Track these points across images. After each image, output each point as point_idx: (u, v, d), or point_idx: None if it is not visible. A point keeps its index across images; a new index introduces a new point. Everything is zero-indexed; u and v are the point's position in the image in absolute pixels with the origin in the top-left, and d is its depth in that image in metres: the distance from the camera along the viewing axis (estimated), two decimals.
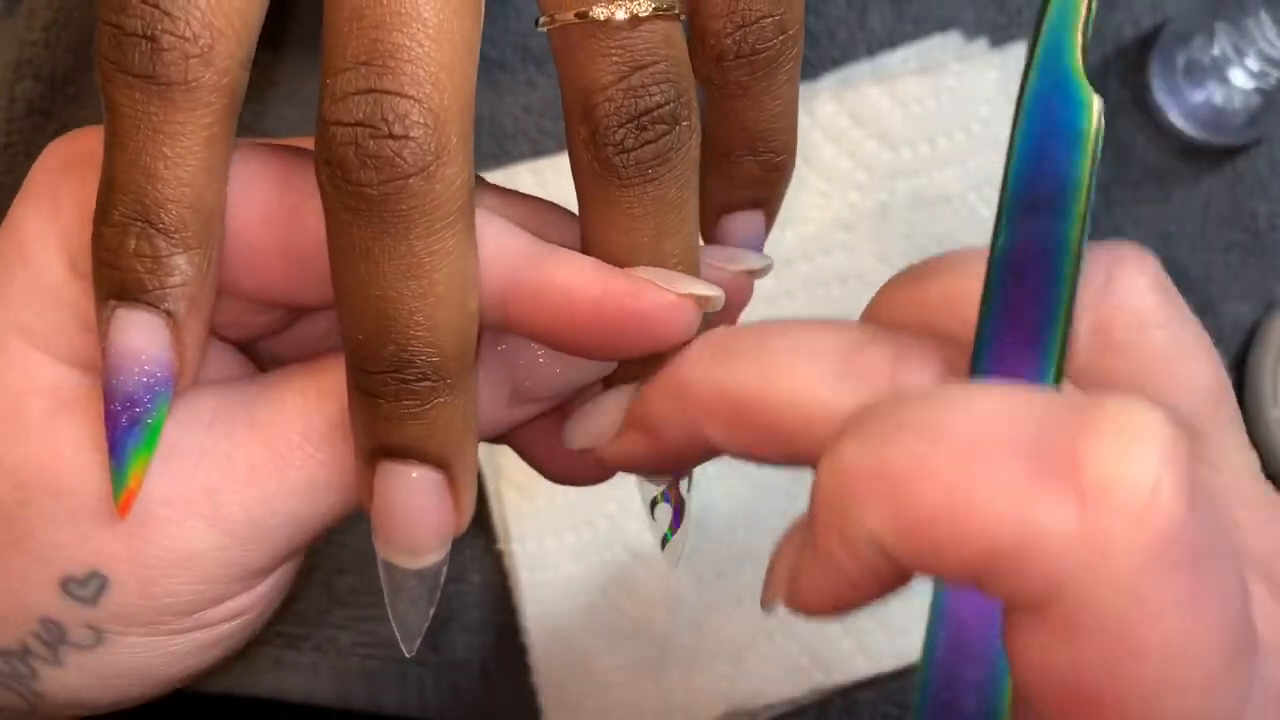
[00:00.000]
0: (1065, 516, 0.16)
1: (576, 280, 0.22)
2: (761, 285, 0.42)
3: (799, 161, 0.42)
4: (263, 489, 0.22)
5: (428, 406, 0.21)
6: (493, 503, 0.42)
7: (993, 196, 0.42)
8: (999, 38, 0.44)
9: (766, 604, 0.22)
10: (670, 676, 0.41)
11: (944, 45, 0.43)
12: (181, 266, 0.21)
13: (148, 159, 0.20)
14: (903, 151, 0.42)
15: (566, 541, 0.41)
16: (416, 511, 0.22)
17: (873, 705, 0.42)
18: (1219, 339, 0.43)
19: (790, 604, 0.21)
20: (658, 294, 0.22)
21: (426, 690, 0.42)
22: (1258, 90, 0.40)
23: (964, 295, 0.20)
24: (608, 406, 0.24)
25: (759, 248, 0.26)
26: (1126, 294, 0.20)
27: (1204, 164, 0.43)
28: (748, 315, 0.42)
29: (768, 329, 0.21)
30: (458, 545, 0.42)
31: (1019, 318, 0.19)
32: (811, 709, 0.42)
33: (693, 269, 0.23)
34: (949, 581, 0.19)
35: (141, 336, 0.21)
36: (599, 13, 0.21)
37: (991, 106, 0.42)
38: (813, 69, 0.43)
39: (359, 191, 0.20)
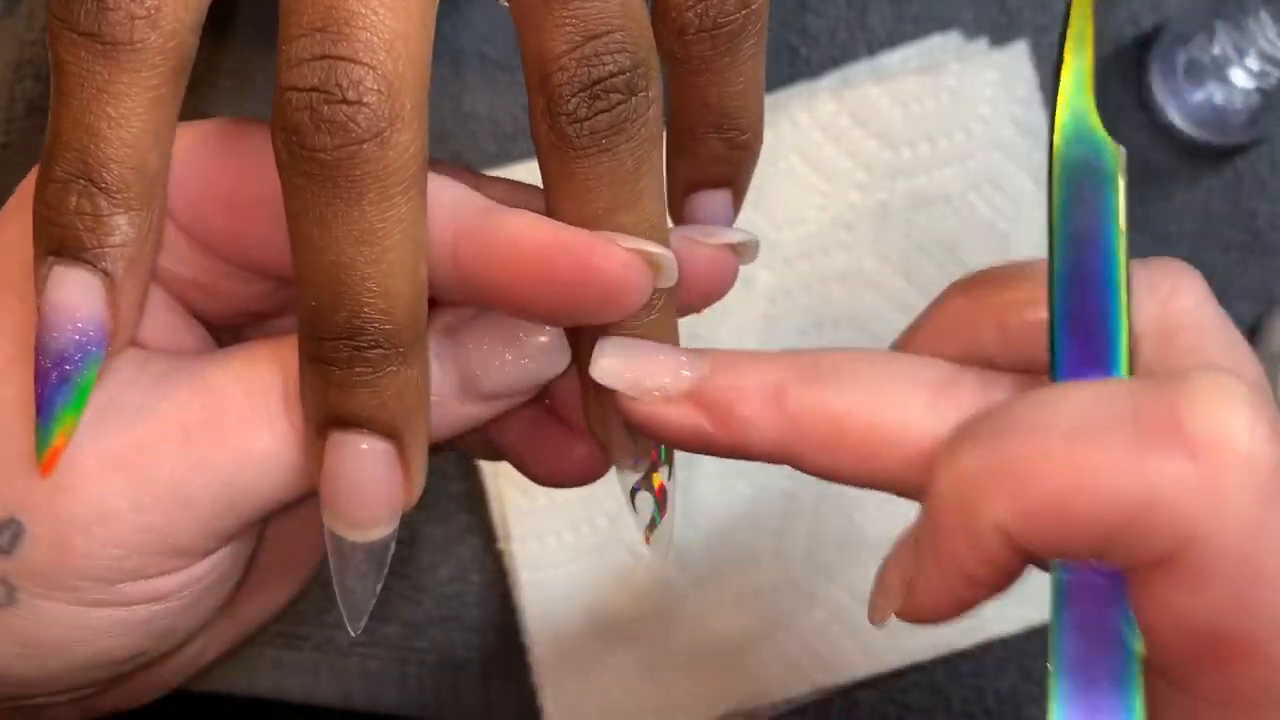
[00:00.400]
0: (1181, 471, 0.18)
1: (525, 230, 0.22)
2: (762, 283, 0.42)
3: (799, 161, 0.43)
4: (197, 453, 0.22)
5: (380, 374, 0.21)
6: (493, 502, 0.42)
7: (992, 195, 0.42)
8: (999, 37, 0.44)
9: (877, 618, 0.24)
10: (670, 676, 0.41)
11: (944, 45, 0.43)
12: (122, 226, 0.21)
13: (91, 117, 0.20)
14: (903, 151, 0.42)
15: (567, 541, 0.41)
16: (367, 482, 0.22)
17: (873, 705, 0.42)
18: None
19: (906, 612, 0.23)
20: (606, 245, 0.21)
21: (426, 690, 0.42)
22: (1258, 90, 0.40)
23: (1024, 302, 0.22)
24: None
25: (729, 216, 0.26)
26: (1188, 304, 0.22)
27: (1204, 164, 0.43)
28: (749, 315, 0.42)
29: (852, 357, 0.22)
30: (458, 544, 0.43)
31: (1086, 330, 0.21)
32: (812, 709, 0.42)
33: (662, 227, 0.23)
34: (1071, 560, 0.20)
35: (77, 294, 0.21)
36: None
37: (991, 106, 0.42)
38: (812, 69, 0.43)
39: (313, 156, 0.20)
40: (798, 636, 0.41)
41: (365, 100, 0.20)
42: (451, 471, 0.42)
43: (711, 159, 0.25)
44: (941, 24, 0.44)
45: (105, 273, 0.21)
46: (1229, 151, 0.43)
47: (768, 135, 0.42)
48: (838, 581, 0.41)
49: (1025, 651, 0.42)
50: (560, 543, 0.41)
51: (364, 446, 0.21)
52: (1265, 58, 0.38)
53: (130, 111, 0.20)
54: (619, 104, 0.21)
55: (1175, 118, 0.43)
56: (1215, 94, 0.42)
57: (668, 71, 0.24)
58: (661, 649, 0.41)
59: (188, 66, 0.21)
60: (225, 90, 0.44)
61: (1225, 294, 0.43)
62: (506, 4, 0.22)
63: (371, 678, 0.42)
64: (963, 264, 0.42)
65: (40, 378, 0.21)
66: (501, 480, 0.41)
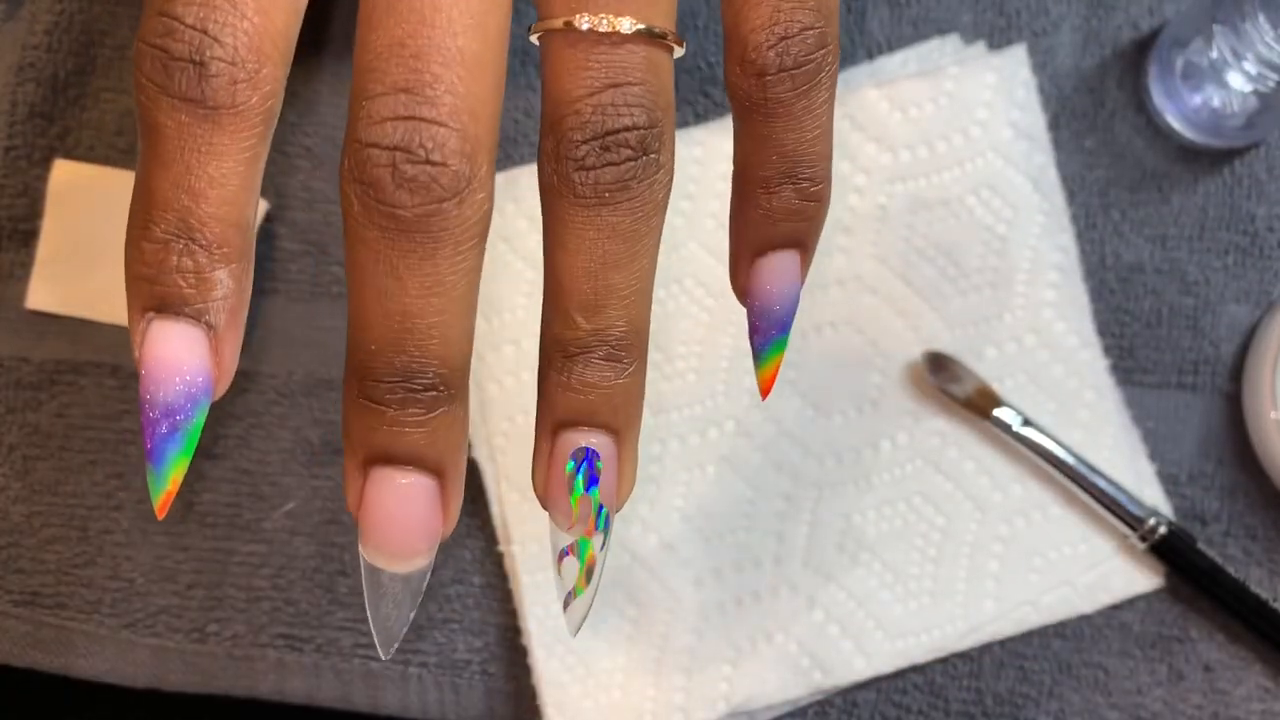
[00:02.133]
0: None
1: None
2: None
3: None
4: None
5: (432, 415, 0.21)
6: (494, 504, 0.42)
7: (991, 199, 0.42)
8: (998, 41, 0.44)
9: None
10: (670, 678, 0.41)
11: (942, 48, 0.44)
12: (224, 280, 0.21)
13: (193, 179, 0.21)
14: (901, 155, 0.42)
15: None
16: (410, 517, 0.22)
17: (872, 706, 0.42)
18: (1217, 341, 0.43)
19: None
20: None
21: (428, 691, 0.42)
22: (1255, 93, 0.40)
23: None
24: None
25: (795, 295, 0.25)
26: None
27: (1202, 167, 0.43)
28: (744, 315, 0.42)
29: None
30: (458, 546, 0.43)
31: None
32: (811, 710, 0.42)
33: (637, 313, 0.23)
34: None
35: (183, 348, 0.21)
36: (581, 22, 0.21)
37: (990, 109, 0.42)
38: None
39: (393, 213, 0.20)
40: (797, 638, 0.41)
41: (449, 162, 0.20)
42: None
43: (786, 213, 0.24)
44: (940, 28, 0.44)
45: (209, 325, 0.21)
46: (1226, 154, 0.43)
47: None
48: (837, 583, 0.41)
49: (1023, 653, 0.42)
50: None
51: (408, 482, 0.22)
52: (1263, 61, 0.39)
53: (231, 170, 0.21)
54: (628, 159, 0.21)
55: (1173, 121, 0.43)
56: (1213, 97, 0.42)
57: (738, 122, 0.24)
58: (661, 651, 0.41)
59: (276, 120, 0.22)
60: None
61: (1223, 296, 0.43)
62: (536, 41, 0.22)
63: (373, 679, 0.42)
64: (961, 267, 0.42)
65: (149, 429, 0.22)
66: (502, 483, 0.41)
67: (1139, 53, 0.44)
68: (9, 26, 0.44)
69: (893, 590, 0.41)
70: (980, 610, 0.41)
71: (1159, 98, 0.43)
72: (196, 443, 0.22)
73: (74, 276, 0.43)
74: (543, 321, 0.23)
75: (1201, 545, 0.42)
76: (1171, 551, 0.41)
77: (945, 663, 0.42)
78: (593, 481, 0.24)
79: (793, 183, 0.24)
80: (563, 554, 0.25)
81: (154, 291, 0.21)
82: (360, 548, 0.23)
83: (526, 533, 0.41)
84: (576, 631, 0.25)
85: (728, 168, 0.43)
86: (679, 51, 0.22)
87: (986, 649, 0.42)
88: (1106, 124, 0.43)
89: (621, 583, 0.41)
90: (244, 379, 0.43)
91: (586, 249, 0.22)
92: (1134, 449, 0.42)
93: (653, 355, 0.42)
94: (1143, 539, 0.41)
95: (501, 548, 0.42)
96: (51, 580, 0.42)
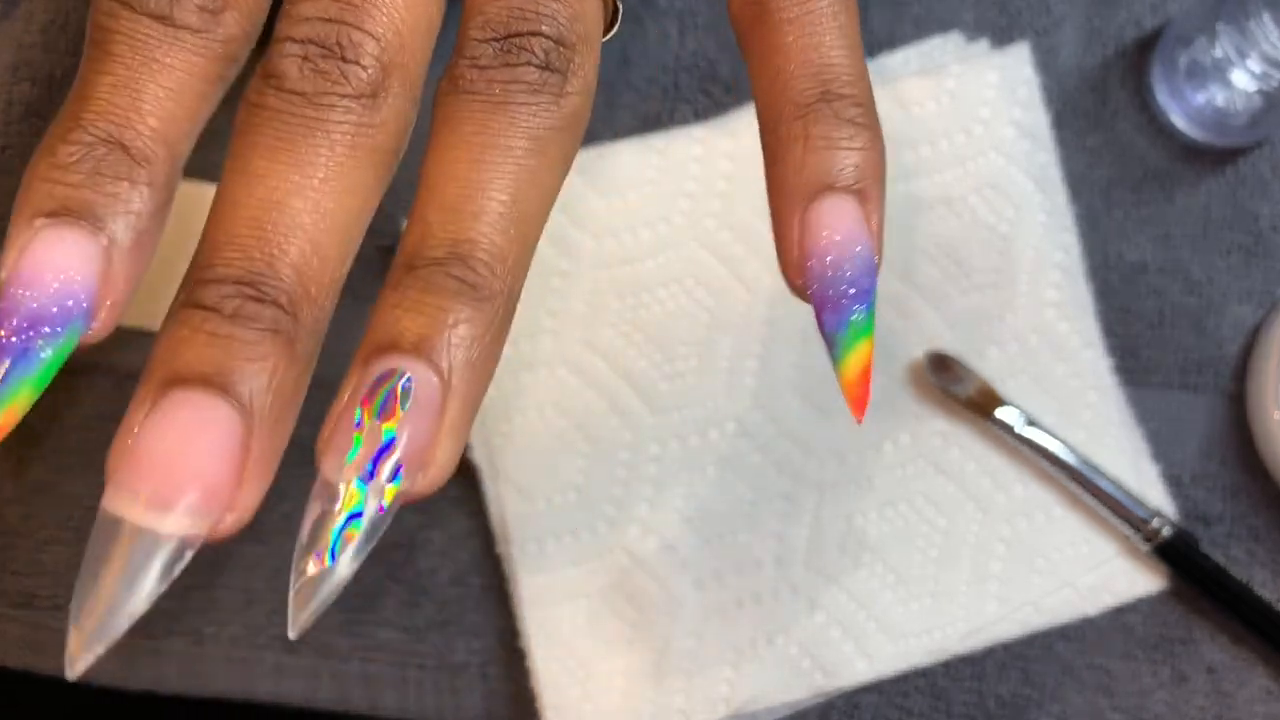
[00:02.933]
0: None
1: None
2: (761, 286, 0.42)
3: None
4: None
5: (267, 336, 0.18)
6: (492, 505, 0.41)
7: (993, 198, 0.42)
8: (1000, 39, 0.43)
9: None
10: (670, 680, 0.41)
11: (944, 47, 0.43)
12: (140, 197, 0.19)
13: (139, 88, 0.19)
14: (903, 153, 0.42)
15: (566, 544, 0.41)
16: (194, 450, 0.18)
17: (874, 708, 0.42)
18: (1220, 341, 0.43)
19: None
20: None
21: (426, 694, 0.42)
22: (1259, 92, 0.40)
23: None
24: None
25: (866, 250, 0.21)
26: None
27: (1206, 166, 0.43)
28: (752, 320, 0.42)
29: None
30: (457, 548, 0.42)
31: None
32: (813, 712, 0.42)
33: (507, 244, 0.20)
34: None
35: (73, 255, 0.18)
36: None
37: (992, 108, 0.42)
38: None
39: (288, 97, 0.19)
40: (798, 640, 0.41)
41: (362, 62, 0.19)
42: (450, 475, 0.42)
43: (827, 140, 0.21)
44: (942, 26, 0.44)
45: (111, 239, 0.19)
46: (1230, 153, 0.43)
47: None
48: (838, 584, 0.41)
49: (1026, 656, 0.42)
50: (560, 546, 0.41)
51: (210, 409, 0.18)
52: (1267, 60, 0.38)
53: (179, 93, 0.19)
54: (527, 64, 0.20)
55: (1177, 119, 0.43)
56: (1217, 96, 0.42)
57: (750, 56, 0.21)
58: (661, 653, 0.41)
59: (232, 76, 0.20)
60: None
61: (1227, 296, 0.43)
62: None
63: (371, 682, 0.42)
64: (963, 266, 0.42)
65: (4, 345, 0.18)
66: (501, 484, 0.41)
67: (1142, 51, 0.44)
68: (5, 25, 0.44)
69: (895, 591, 0.41)
70: (983, 612, 0.41)
71: (1162, 96, 0.43)
72: (49, 378, 0.18)
73: None
74: (397, 249, 0.20)
75: (1205, 547, 0.41)
76: (1175, 553, 0.41)
77: (947, 664, 0.42)
78: (390, 414, 0.19)
79: (827, 102, 0.21)
80: (318, 507, 0.20)
81: (54, 193, 0.18)
82: (104, 499, 0.19)
83: (526, 534, 0.41)
84: (297, 631, 0.20)
85: (728, 166, 0.43)
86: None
87: (989, 651, 0.42)
88: (1110, 123, 0.43)
89: (621, 585, 0.41)
90: None
91: (464, 145, 0.20)
92: (1137, 450, 0.42)
93: (653, 355, 0.41)
94: (1146, 540, 0.41)
95: (500, 549, 0.42)
96: (48, 582, 0.42)
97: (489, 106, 0.20)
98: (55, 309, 0.18)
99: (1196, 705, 0.42)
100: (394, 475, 0.19)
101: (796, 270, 0.21)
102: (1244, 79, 0.40)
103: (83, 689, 0.42)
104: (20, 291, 0.18)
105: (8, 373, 0.18)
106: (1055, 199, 0.42)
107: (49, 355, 0.18)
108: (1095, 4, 0.44)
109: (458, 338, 0.19)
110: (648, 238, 0.42)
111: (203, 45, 0.19)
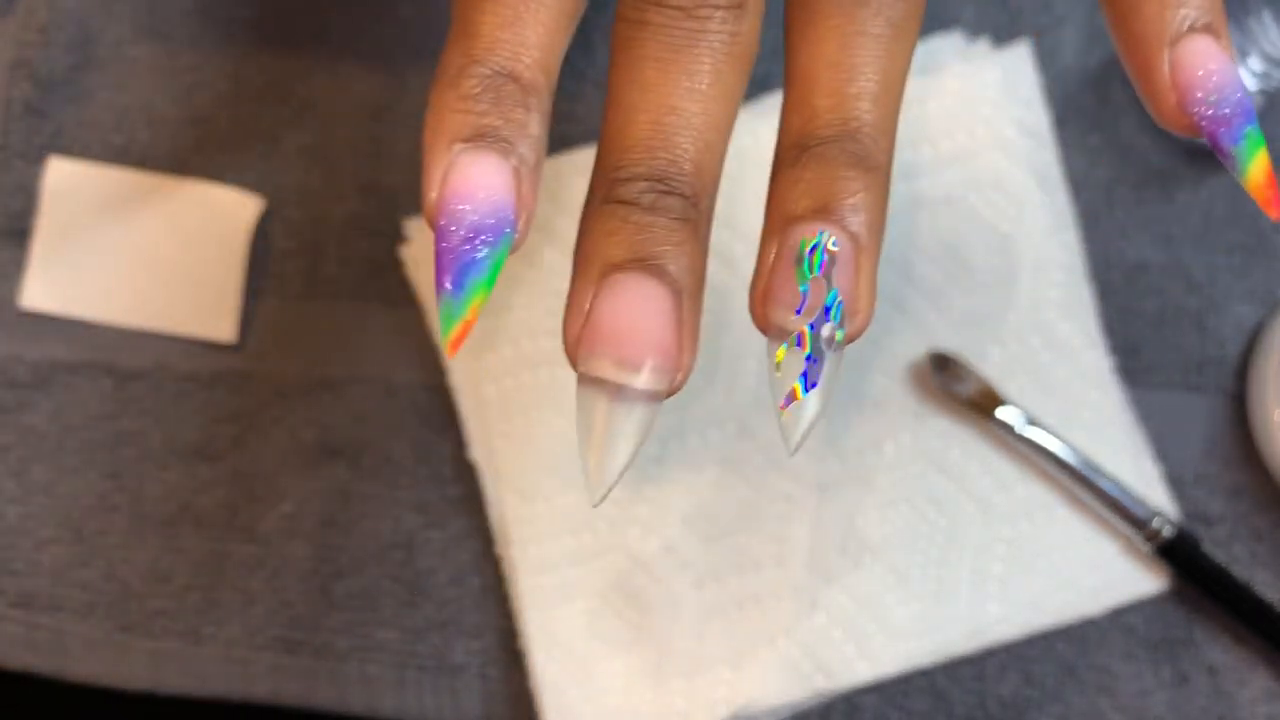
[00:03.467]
0: None
1: None
2: None
3: None
4: None
5: (680, 223, 0.21)
6: (492, 506, 0.41)
7: (995, 197, 0.42)
8: (1001, 37, 0.43)
9: None
10: (671, 682, 0.41)
11: (945, 45, 0.43)
12: (536, 122, 0.21)
13: (523, 25, 0.21)
14: (904, 152, 0.42)
15: (566, 545, 0.41)
16: (650, 318, 0.21)
17: (875, 709, 0.42)
18: (1222, 341, 0.43)
19: None
20: None
21: (425, 695, 0.42)
22: (1260, 91, 0.40)
23: None
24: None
25: (1238, 75, 0.23)
26: None
27: (1207, 165, 0.43)
28: (745, 315, 0.42)
29: None
30: (457, 548, 0.42)
31: None
32: (813, 713, 0.42)
33: (886, 114, 0.22)
34: None
35: (495, 175, 0.21)
36: None
37: (994, 107, 0.42)
38: None
39: (672, 7, 0.21)
40: (798, 641, 0.41)
41: None
42: (450, 475, 0.42)
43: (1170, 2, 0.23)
44: (943, 24, 0.44)
45: (520, 158, 0.21)
46: None
47: (766, 136, 0.42)
48: (839, 585, 0.41)
49: (1027, 656, 0.42)
50: (560, 547, 0.41)
51: (649, 285, 0.21)
52: (1268, 59, 0.38)
53: (553, 26, 0.22)
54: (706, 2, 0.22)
55: None
56: None
57: None
58: (661, 654, 0.41)
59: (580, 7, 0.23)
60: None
61: (1228, 296, 0.43)
62: None
63: (370, 682, 0.42)
64: (965, 266, 0.42)
65: (451, 255, 0.21)
66: (501, 484, 0.41)
67: None
68: (4, 23, 0.44)
69: (895, 592, 0.41)
70: (984, 613, 0.41)
71: None
72: (495, 279, 0.21)
73: (69, 275, 0.43)
74: (780, 134, 0.22)
75: (1207, 547, 0.41)
76: (1177, 553, 0.41)
77: (948, 665, 0.42)
78: (827, 270, 0.22)
79: None
80: (783, 350, 0.22)
81: (468, 121, 0.21)
82: (581, 366, 0.21)
83: (525, 534, 0.41)
84: (795, 449, 0.22)
85: (729, 166, 0.43)
86: None
87: (990, 652, 0.42)
88: (1111, 122, 0.43)
89: (621, 586, 0.41)
90: (238, 379, 0.43)
91: (835, 35, 0.22)
92: (1139, 450, 0.42)
93: None
94: (1148, 541, 0.41)
95: (500, 550, 0.42)
96: (46, 582, 0.42)
97: (671, 29, 0.22)
98: (492, 220, 0.21)
99: (1198, 706, 0.42)
100: (838, 323, 0.22)
101: (1176, 111, 0.23)
102: (1245, 78, 0.40)
103: (82, 689, 0.42)
104: (460, 206, 0.21)
105: (465, 278, 0.21)
106: (1057, 198, 0.42)
107: (494, 261, 0.21)
108: (1097, 3, 0.44)
109: (862, 203, 0.22)
110: None
111: None
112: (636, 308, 0.21)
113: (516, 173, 0.21)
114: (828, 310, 0.22)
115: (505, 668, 0.42)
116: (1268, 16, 0.38)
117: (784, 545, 0.41)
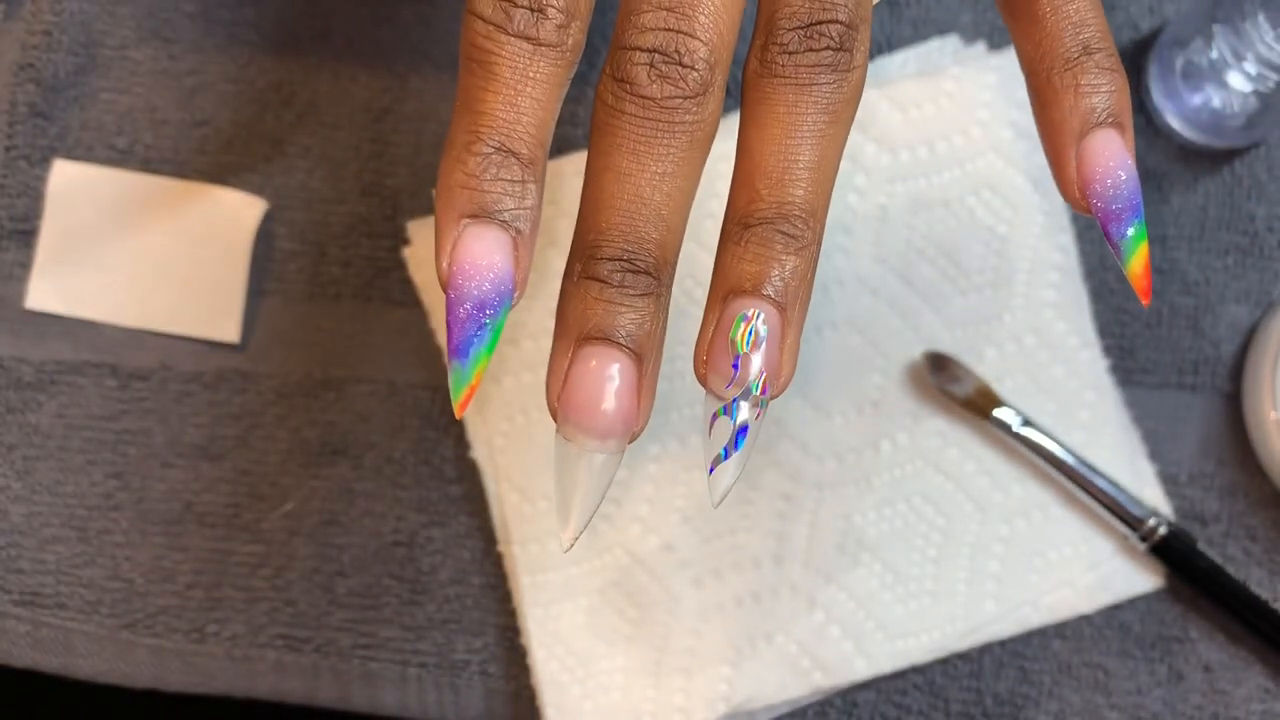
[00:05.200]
0: None
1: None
2: None
3: None
4: None
5: (643, 298, 0.24)
6: (494, 505, 0.42)
7: (991, 199, 0.42)
8: (997, 41, 0.44)
9: None
10: (670, 679, 0.41)
11: (942, 49, 0.43)
12: (533, 192, 0.24)
13: (520, 100, 0.24)
14: (901, 155, 0.42)
15: None
16: (613, 394, 0.24)
17: (873, 706, 0.42)
18: (1217, 341, 0.43)
19: None
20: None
21: (427, 691, 0.42)
22: (1255, 93, 0.40)
23: None
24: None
25: (1134, 171, 0.26)
26: None
27: (1202, 167, 0.43)
28: None
29: None
30: (458, 546, 0.43)
31: None
32: (811, 710, 0.42)
33: (816, 196, 0.25)
34: None
35: (496, 249, 0.24)
36: None
37: (990, 110, 0.42)
38: None
39: (644, 100, 0.24)
40: (797, 638, 0.41)
41: (697, 67, 0.24)
42: (452, 474, 0.42)
43: (1093, 85, 0.26)
44: (940, 28, 0.44)
45: (517, 231, 0.24)
46: (1227, 154, 0.43)
47: None
48: (837, 583, 0.41)
49: (1024, 654, 0.42)
50: (560, 545, 0.41)
51: (614, 360, 0.24)
52: (1263, 61, 0.38)
53: (546, 98, 0.24)
54: (828, 48, 0.24)
55: (1173, 121, 0.43)
56: (1213, 97, 0.42)
57: (1015, 24, 0.26)
58: (661, 651, 0.41)
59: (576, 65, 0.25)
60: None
61: (1223, 296, 0.43)
62: None
63: (372, 680, 0.42)
64: (961, 267, 0.42)
65: (458, 327, 0.24)
66: (502, 483, 0.41)
67: (1139, 53, 0.44)
68: (9, 26, 0.44)
69: (893, 591, 0.41)
70: (980, 610, 0.41)
71: (1159, 98, 0.43)
72: (496, 344, 0.24)
73: (74, 276, 0.43)
74: (728, 205, 0.25)
75: (1202, 546, 0.42)
76: (1172, 552, 0.41)
77: (945, 663, 0.42)
78: (756, 346, 0.25)
79: (1089, 55, 0.26)
80: (714, 417, 0.26)
81: (474, 198, 0.24)
82: (559, 429, 0.25)
83: (526, 533, 0.41)
84: (720, 500, 0.26)
85: (727, 168, 0.43)
86: None
87: (987, 649, 0.42)
88: None
89: (621, 584, 0.41)
90: (242, 379, 0.43)
91: (779, 123, 0.24)
92: (1134, 449, 0.42)
93: None
94: (1143, 539, 0.41)
95: (501, 548, 0.42)
96: (51, 580, 0.42)
97: (797, 88, 0.24)
98: (494, 293, 0.24)
99: (1193, 704, 0.42)
100: (760, 393, 0.25)
101: (1079, 195, 0.26)
102: (1240, 80, 0.40)
103: (86, 687, 0.42)
104: (465, 281, 0.24)
105: (472, 348, 0.24)
106: (1053, 200, 0.42)
107: (495, 329, 0.24)
108: None
109: (790, 279, 0.25)
110: None
111: (558, 56, 0.24)
112: (605, 385, 0.24)
113: (515, 243, 0.24)
114: (761, 388, 0.25)
115: (506, 665, 0.42)
116: (1263, 19, 0.38)
117: (782, 544, 0.41)
